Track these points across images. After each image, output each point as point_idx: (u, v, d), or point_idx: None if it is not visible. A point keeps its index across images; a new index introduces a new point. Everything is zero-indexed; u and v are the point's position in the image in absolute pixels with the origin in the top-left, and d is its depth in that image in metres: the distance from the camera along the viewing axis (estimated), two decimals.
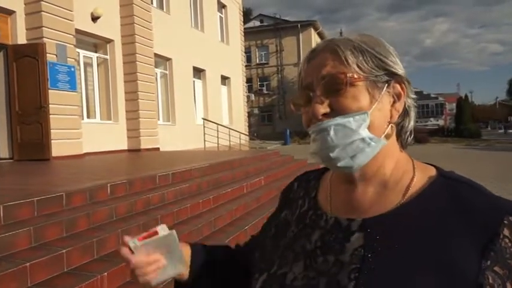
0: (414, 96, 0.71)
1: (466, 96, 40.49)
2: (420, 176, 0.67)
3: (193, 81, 15.00)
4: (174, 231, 0.75)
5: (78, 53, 9.75)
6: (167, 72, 13.51)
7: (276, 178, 7.55)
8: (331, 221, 0.70)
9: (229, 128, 14.17)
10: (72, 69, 8.95)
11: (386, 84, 0.66)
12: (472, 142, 27.82)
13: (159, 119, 12.55)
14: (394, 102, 0.68)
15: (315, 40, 36.92)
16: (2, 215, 2.98)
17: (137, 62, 11.10)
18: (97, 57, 10.84)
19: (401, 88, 0.68)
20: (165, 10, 13.32)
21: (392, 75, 0.67)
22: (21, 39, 8.23)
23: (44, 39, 8.18)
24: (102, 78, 10.97)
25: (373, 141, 0.64)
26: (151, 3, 12.17)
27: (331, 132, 0.64)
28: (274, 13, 42.46)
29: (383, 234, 0.63)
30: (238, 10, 19.45)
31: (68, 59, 8.81)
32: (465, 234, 0.59)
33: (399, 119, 0.69)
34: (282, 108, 36.26)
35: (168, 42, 12.97)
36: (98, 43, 10.84)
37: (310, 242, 0.70)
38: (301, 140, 30.19)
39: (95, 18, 10.05)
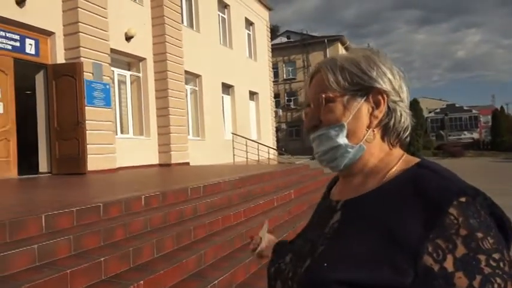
0: (400, 99, 0.80)
1: (502, 108, 39.08)
2: (399, 167, 0.77)
3: (222, 97, 15.22)
4: (266, 222, 1.31)
5: (113, 71, 10.12)
6: (197, 88, 13.79)
7: (307, 191, 7.49)
8: (327, 203, 0.87)
9: (258, 143, 14.23)
10: (107, 86, 9.29)
11: (365, 97, 0.78)
12: (510, 155, 26.67)
13: (189, 134, 12.76)
14: (373, 110, 0.78)
15: None
16: (43, 224, 3.10)
17: (168, 79, 11.41)
18: (130, 75, 11.22)
19: (382, 97, 0.78)
20: (194, 29, 13.69)
21: (370, 89, 0.78)
22: (60, 58, 8.64)
23: (82, 58, 8.56)
24: (135, 95, 11.32)
25: (349, 148, 0.78)
26: (182, 22, 12.54)
27: (317, 141, 0.82)
28: (301, 29, 42.74)
29: (355, 211, 0.76)
30: (266, 27, 19.72)
31: (104, 77, 9.17)
32: (417, 211, 0.67)
33: (385, 120, 0.79)
34: None
35: (198, 60, 13.27)
36: (131, 61, 11.23)
37: (314, 219, 0.92)
38: None
39: (128, 38, 10.45)
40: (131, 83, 11.25)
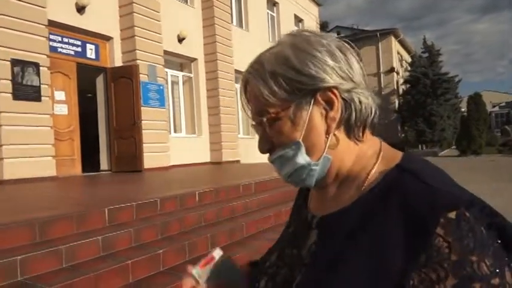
0: (353, 84, 0.65)
1: None
2: (379, 168, 0.65)
3: None
4: (228, 256, 0.81)
5: (166, 72, 10.49)
6: None
7: None
8: (304, 215, 0.74)
9: None
10: (161, 87, 9.66)
11: (312, 101, 0.64)
12: None
13: (239, 133, 12.93)
14: (327, 112, 0.64)
15: (396, 48, 35.54)
16: (107, 217, 3.29)
17: (219, 79, 11.63)
18: (182, 75, 11.57)
19: (332, 93, 0.63)
20: (244, 28, 13.84)
21: (315, 90, 0.63)
22: (118, 62, 9.11)
23: (137, 61, 8.97)
24: (187, 95, 11.66)
25: (313, 166, 0.65)
26: (232, 22, 12.72)
27: (277, 164, 0.68)
28: (351, 24, 41.73)
29: (332, 232, 0.64)
30: (315, 23, 19.49)
31: (158, 78, 9.54)
32: (401, 232, 0.56)
33: (345, 117, 0.65)
34: None
35: (247, 58, 13.15)
36: (183, 62, 11.58)
37: (287, 234, 0.77)
38: None
39: (181, 40, 10.78)
40: (183, 83, 11.61)
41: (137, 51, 9.00)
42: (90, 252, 2.79)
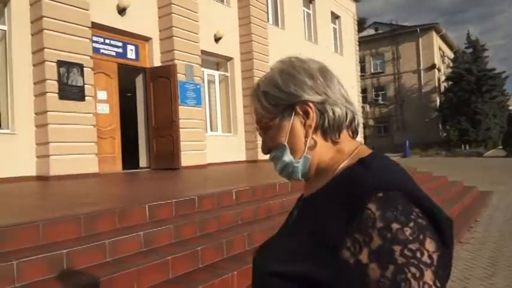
0: (326, 97, 0.82)
1: None
2: (347, 163, 0.81)
3: None
4: None
5: (203, 71, 10.62)
6: None
7: None
8: (297, 203, 0.95)
9: None
10: (198, 86, 9.80)
11: (293, 112, 0.83)
12: None
13: None
14: (305, 121, 0.83)
15: (437, 44, 34.25)
16: (147, 213, 3.36)
17: (254, 77, 11.64)
18: (219, 74, 11.68)
19: (308, 106, 0.82)
20: (280, 26, 13.78)
21: (295, 104, 0.83)
22: (157, 62, 9.32)
23: (175, 61, 9.13)
24: (223, 94, 11.77)
25: (295, 164, 0.84)
26: (268, 20, 12.70)
27: (273, 163, 0.89)
28: (390, 20, 40.58)
29: (305, 209, 0.85)
30: (353, 20, 19.12)
31: (195, 77, 9.68)
32: (343, 208, 0.70)
33: (320, 123, 0.82)
34: (400, 118, 34.26)
35: (283, 57, 13.27)
36: (219, 61, 11.69)
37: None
38: (423, 152, 28.04)
39: (217, 39, 10.89)
40: (219, 82, 11.72)
41: (175, 51, 9.17)
42: (132, 247, 2.86)
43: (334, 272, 0.67)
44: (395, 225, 0.65)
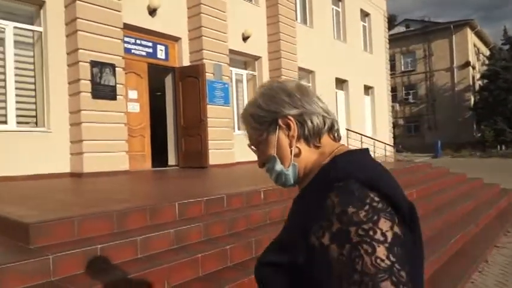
0: (304, 109, 0.95)
1: None
2: (324, 165, 0.92)
3: (336, 92, 14.93)
4: None
5: (231, 70, 10.66)
6: (310, 84, 13.74)
7: (430, 192, 6.88)
8: None
9: (374, 139, 13.61)
10: (226, 85, 9.84)
11: (277, 127, 0.95)
12: None
13: None
14: (288, 132, 0.95)
15: (472, 41, 33.06)
16: (177, 211, 3.40)
17: (282, 77, 11.58)
18: (246, 73, 11.70)
19: (289, 119, 0.94)
20: (308, 24, 13.66)
21: (276, 120, 0.95)
22: (186, 61, 9.43)
23: (204, 60, 9.21)
24: (251, 93, 11.76)
25: (285, 171, 0.96)
26: (296, 19, 12.61)
27: (268, 174, 1.02)
28: (422, 16, 39.48)
29: (293, 207, 0.97)
30: (383, 17, 18.72)
31: (223, 76, 9.73)
32: (314, 201, 0.81)
33: (300, 132, 0.95)
34: (432, 117, 33.31)
35: (311, 55, 13.22)
36: (247, 61, 11.71)
37: None
38: (455, 152, 27.15)
39: (245, 38, 10.90)
40: (247, 81, 11.73)
41: (204, 50, 9.24)
42: (163, 244, 2.89)
43: (305, 256, 0.78)
44: (350, 209, 0.74)
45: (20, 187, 5.36)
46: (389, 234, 0.71)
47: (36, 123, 7.23)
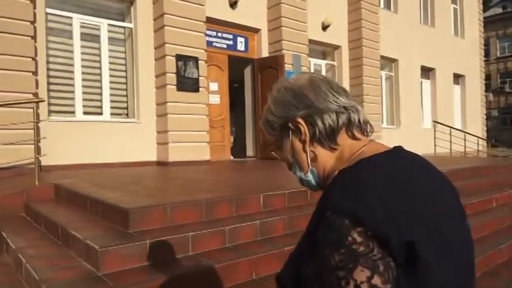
0: (314, 109, 0.88)
1: None
2: (335, 176, 0.85)
3: (421, 82, 13.97)
4: None
5: (310, 61, 10.47)
6: (392, 74, 13.03)
7: None
8: None
9: (464, 132, 12.52)
10: None
11: (289, 132, 0.92)
12: None
13: (382, 123, 12.23)
14: (300, 136, 0.90)
15: None
16: (262, 203, 3.39)
17: (363, 66, 11.13)
18: (325, 63, 11.42)
19: (298, 122, 0.89)
20: (392, 10, 12.91)
21: (286, 124, 0.91)
22: (265, 52, 9.44)
23: (283, 51, 9.14)
24: None
25: (304, 178, 0.94)
26: (379, 4, 11.98)
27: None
28: None
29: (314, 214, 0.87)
30: None
31: (302, 67, 9.59)
32: (318, 215, 0.76)
33: (312, 134, 0.89)
34: None
35: (394, 43, 12.49)
36: (326, 50, 11.41)
37: None
38: None
39: (325, 27, 10.62)
40: (326, 72, 11.44)
41: (283, 41, 9.18)
42: (248, 235, 2.90)
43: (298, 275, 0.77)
44: (327, 251, 0.68)
45: (115, 173, 5.80)
46: (363, 287, 0.64)
47: (127, 114, 7.76)
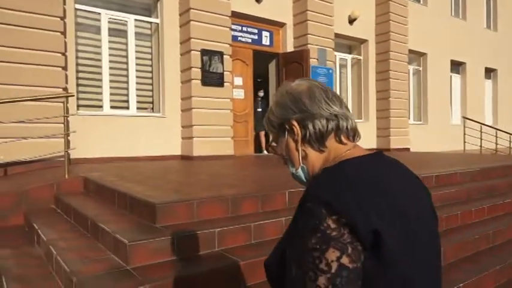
0: (307, 113, 0.99)
1: None
2: (316, 174, 0.99)
3: (451, 76, 13.55)
4: None
5: (335, 55, 10.31)
6: (420, 68, 12.70)
7: None
8: None
9: (496, 129, 12.08)
10: (330, 71, 9.55)
11: (285, 131, 1.03)
12: None
13: (409, 118, 11.95)
14: (293, 136, 1.01)
15: None
16: (287, 199, 3.37)
17: (390, 60, 10.88)
18: (351, 58, 11.22)
19: (292, 124, 1.00)
20: (421, 2, 12.55)
21: (282, 124, 1.03)
22: (290, 47, 9.35)
23: (308, 45, 9.03)
24: (355, 79, 11.28)
25: (295, 172, 1.05)
26: None
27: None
28: None
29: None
30: None
31: (327, 62, 9.45)
32: (300, 205, 0.86)
33: (303, 135, 1.00)
34: None
35: (423, 36, 12.15)
36: (352, 44, 11.21)
37: None
38: None
39: (351, 21, 10.42)
40: (351, 66, 11.26)
41: (309, 35, 9.07)
42: (274, 231, 2.88)
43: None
44: (305, 235, 0.79)
45: (141, 167, 5.88)
46: (334, 265, 0.75)
47: (152, 108, 7.85)
